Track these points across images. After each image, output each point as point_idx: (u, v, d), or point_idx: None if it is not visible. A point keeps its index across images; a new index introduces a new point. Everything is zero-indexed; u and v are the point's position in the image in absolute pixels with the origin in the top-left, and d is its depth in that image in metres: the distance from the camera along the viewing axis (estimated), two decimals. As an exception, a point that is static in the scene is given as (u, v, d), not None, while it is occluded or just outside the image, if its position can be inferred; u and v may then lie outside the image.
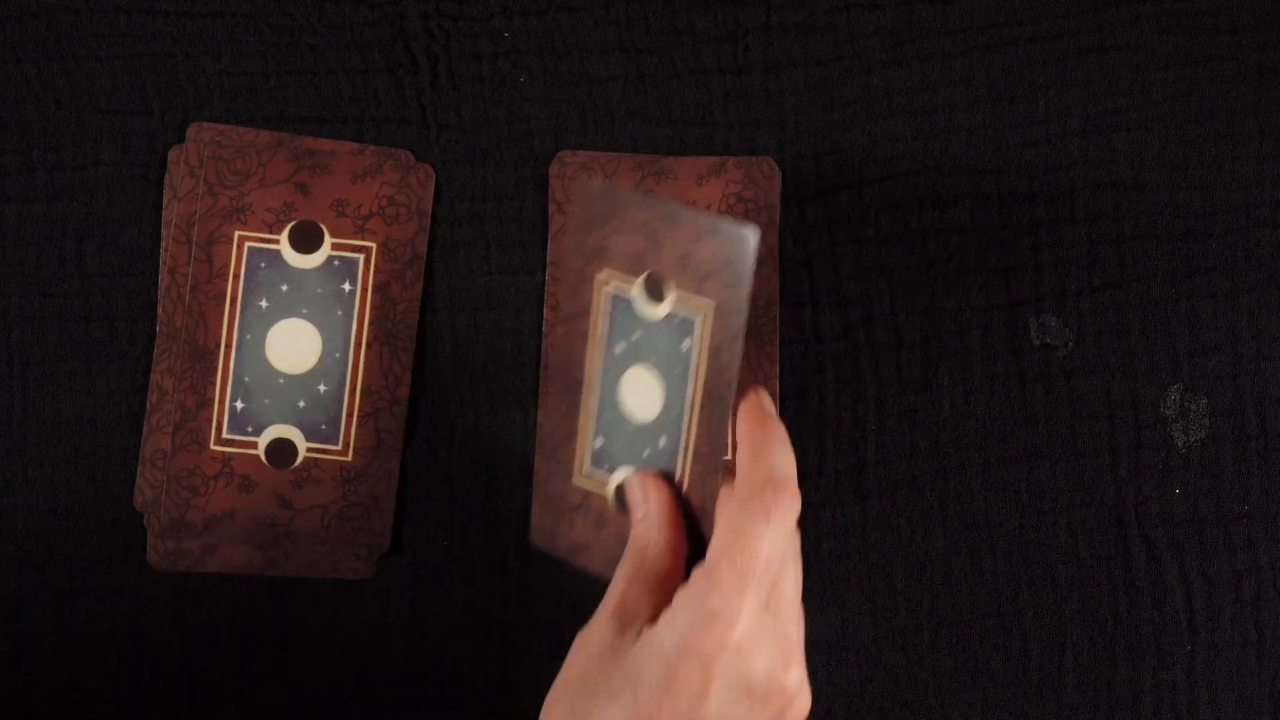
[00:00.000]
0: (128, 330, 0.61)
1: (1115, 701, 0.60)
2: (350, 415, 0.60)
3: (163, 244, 0.61)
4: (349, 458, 0.60)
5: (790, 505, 0.45)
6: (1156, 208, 0.62)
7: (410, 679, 0.60)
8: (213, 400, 0.60)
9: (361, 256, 0.61)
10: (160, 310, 0.60)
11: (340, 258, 0.61)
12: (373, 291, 0.61)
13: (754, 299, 0.57)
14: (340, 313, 0.61)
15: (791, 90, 0.62)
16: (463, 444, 0.61)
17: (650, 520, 0.47)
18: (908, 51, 0.62)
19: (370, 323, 0.61)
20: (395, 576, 0.60)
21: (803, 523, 0.60)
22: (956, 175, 0.62)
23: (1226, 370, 0.61)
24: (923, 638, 0.60)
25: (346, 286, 0.61)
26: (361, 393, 0.60)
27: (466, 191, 0.62)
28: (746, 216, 0.59)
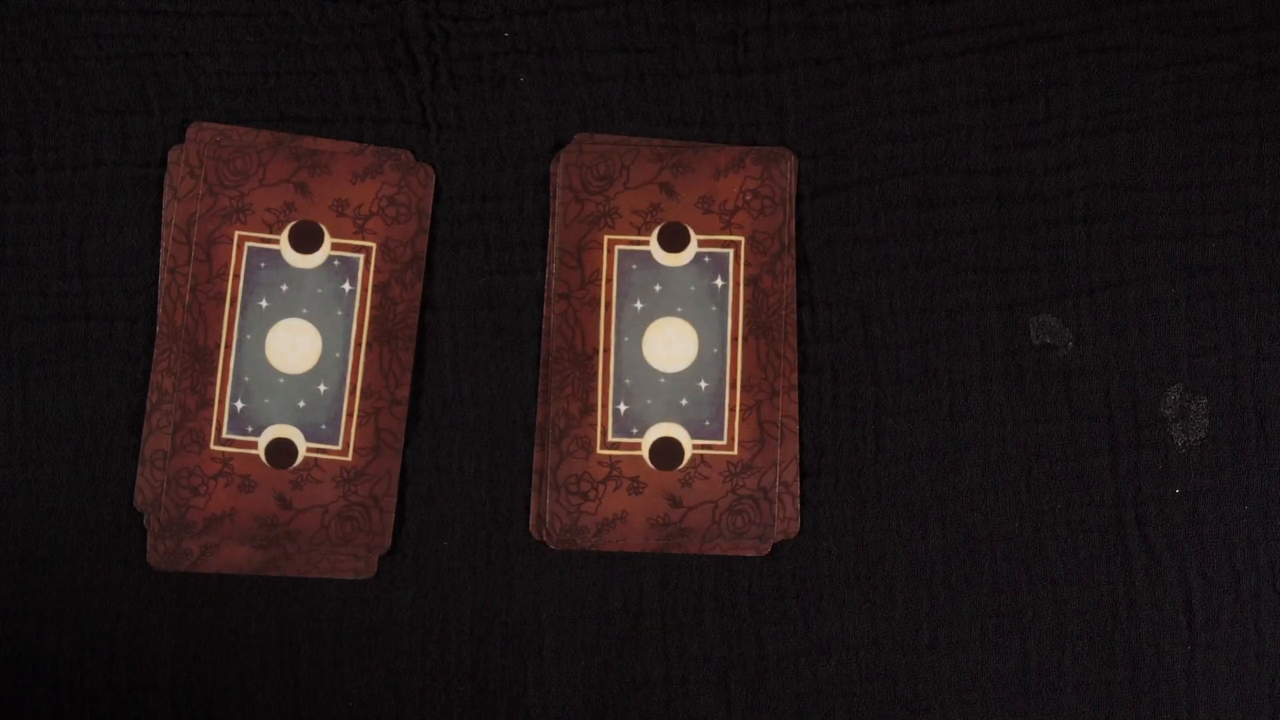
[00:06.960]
0: (128, 330, 0.61)
1: (1115, 701, 0.60)
2: (350, 415, 0.60)
3: (163, 244, 0.61)
4: (349, 458, 0.60)
5: None
6: (1156, 208, 0.62)
7: (411, 679, 0.60)
8: (213, 400, 0.60)
9: (361, 256, 0.61)
10: (160, 310, 0.60)
11: (340, 258, 0.61)
12: (373, 291, 0.61)
13: (782, 271, 0.56)
14: (340, 313, 0.61)
15: (791, 90, 0.62)
16: (463, 444, 0.61)
17: None
18: (908, 51, 0.62)
19: (370, 323, 0.61)
20: (395, 576, 0.60)
21: (803, 522, 0.60)
22: (956, 175, 0.62)
23: (1226, 370, 0.61)
24: (922, 638, 0.60)
25: (346, 286, 0.61)
26: (361, 393, 0.60)
27: (466, 191, 0.62)
28: (763, 211, 0.59)
